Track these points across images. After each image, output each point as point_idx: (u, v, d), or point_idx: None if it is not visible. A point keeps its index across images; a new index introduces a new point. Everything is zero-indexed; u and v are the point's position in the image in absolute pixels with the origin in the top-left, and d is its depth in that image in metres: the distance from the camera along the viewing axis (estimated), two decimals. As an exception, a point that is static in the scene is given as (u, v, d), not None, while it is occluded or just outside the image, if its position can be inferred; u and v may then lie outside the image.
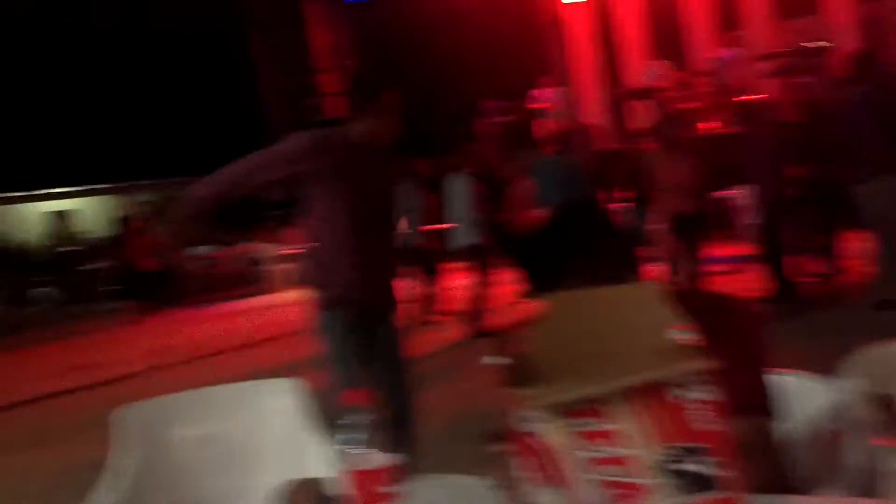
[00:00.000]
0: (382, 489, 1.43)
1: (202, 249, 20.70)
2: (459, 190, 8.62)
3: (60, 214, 27.69)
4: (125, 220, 16.90)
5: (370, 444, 1.44)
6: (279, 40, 19.34)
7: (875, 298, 6.63)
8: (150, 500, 2.51)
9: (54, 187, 26.56)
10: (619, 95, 16.17)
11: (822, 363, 2.23)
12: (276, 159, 3.29)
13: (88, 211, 27.94)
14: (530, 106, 17.19)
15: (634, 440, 1.21)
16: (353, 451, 1.44)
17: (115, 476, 2.48)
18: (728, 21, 15.71)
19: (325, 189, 3.27)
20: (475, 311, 8.69)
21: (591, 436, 1.22)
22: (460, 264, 9.10)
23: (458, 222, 8.65)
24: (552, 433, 1.23)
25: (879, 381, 2.00)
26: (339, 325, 3.35)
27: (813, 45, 13.65)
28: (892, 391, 1.98)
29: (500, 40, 17.10)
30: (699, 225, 7.67)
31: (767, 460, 1.63)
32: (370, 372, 3.42)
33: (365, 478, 1.43)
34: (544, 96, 16.99)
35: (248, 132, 23.13)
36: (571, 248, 1.65)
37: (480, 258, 8.76)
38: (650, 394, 1.21)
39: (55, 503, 5.14)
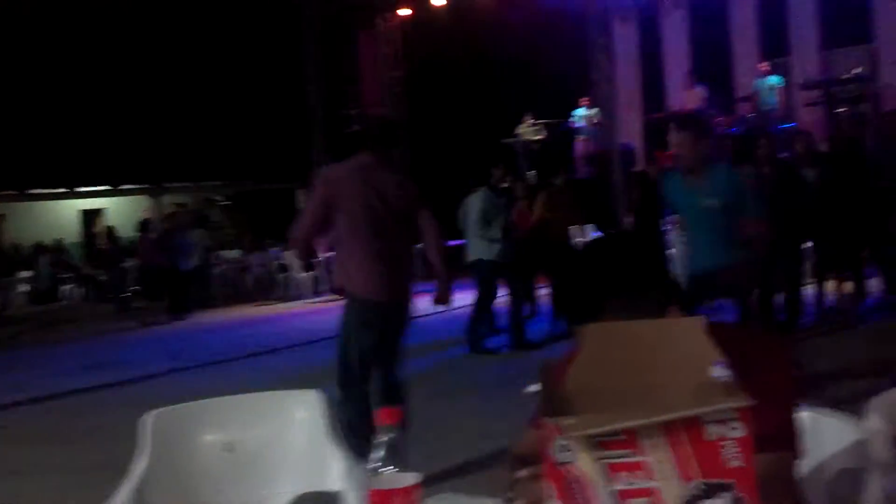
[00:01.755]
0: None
1: (232, 254, 20.79)
2: (476, 206, 8.60)
3: (93, 213, 28.00)
4: (156, 221, 17.09)
5: (392, 462, 1.42)
6: (328, 50, 19.50)
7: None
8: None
9: (88, 186, 26.85)
10: (659, 119, 16.08)
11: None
12: (314, 195, 4.27)
13: (120, 210, 28.25)
14: (570, 125, 17.19)
15: (667, 474, 1.21)
16: (374, 469, 1.41)
17: (137, 479, 2.46)
18: (775, 48, 15.58)
19: (345, 208, 4.14)
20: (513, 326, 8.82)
21: (625, 468, 1.21)
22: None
23: (471, 237, 8.66)
24: (586, 463, 1.20)
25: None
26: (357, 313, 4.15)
27: (860, 75, 13.49)
28: None
29: (545, 57, 17.09)
30: None
31: (789, 497, 1.62)
32: (377, 352, 4.16)
33: (384, 497, 1.40)
34: (584, 115, 16.97)
35: (290, 140, 23.29)
36: (613, 278, 1.65)
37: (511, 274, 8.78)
38: (687, 429, 1.21)
39: (70, 502, 5.10)
